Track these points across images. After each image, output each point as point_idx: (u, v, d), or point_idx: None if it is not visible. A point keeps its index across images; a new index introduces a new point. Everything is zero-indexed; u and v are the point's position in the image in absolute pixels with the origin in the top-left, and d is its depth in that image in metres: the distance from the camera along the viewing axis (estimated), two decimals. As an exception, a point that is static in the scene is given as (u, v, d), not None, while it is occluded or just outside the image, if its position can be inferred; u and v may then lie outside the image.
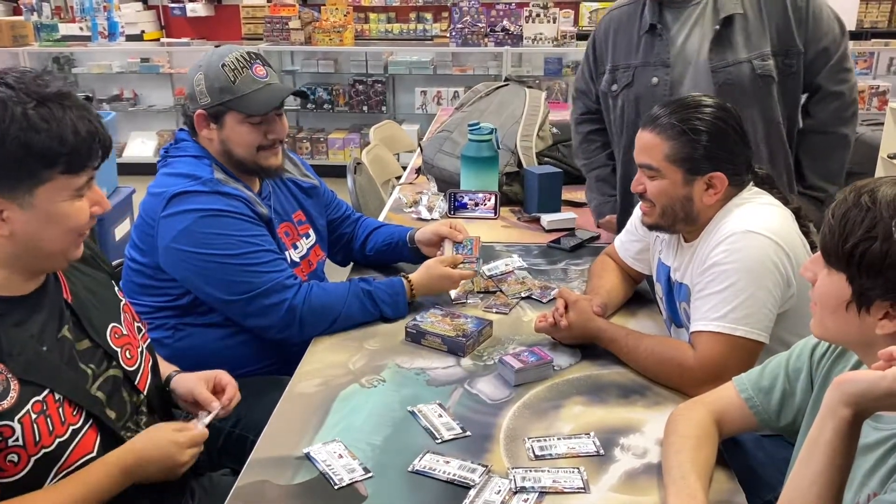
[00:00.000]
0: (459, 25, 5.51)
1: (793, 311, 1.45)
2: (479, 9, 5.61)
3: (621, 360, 1.57)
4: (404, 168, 3.59)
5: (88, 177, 1.07)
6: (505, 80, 2.97)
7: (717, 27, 1.90)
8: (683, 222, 1.55)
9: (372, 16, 6.63)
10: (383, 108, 5.85)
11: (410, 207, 2.57)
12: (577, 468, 1.25)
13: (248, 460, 1.29)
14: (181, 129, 1.78)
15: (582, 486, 1.21)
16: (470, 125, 2.51)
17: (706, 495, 1.13)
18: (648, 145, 1.52)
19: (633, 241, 1.83)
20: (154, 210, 1.62)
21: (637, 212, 1.80)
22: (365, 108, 5.90)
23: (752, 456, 1.49)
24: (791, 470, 1.21)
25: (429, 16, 6.68)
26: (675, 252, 1.63)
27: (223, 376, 1.39)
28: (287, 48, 5.75)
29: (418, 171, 2.96)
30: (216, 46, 1.79)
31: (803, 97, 2.01)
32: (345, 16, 5.72)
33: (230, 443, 1.63)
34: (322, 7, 5.92)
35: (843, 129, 1.99)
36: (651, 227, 1.61)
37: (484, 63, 5.68)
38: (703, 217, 1.52)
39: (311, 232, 1.95)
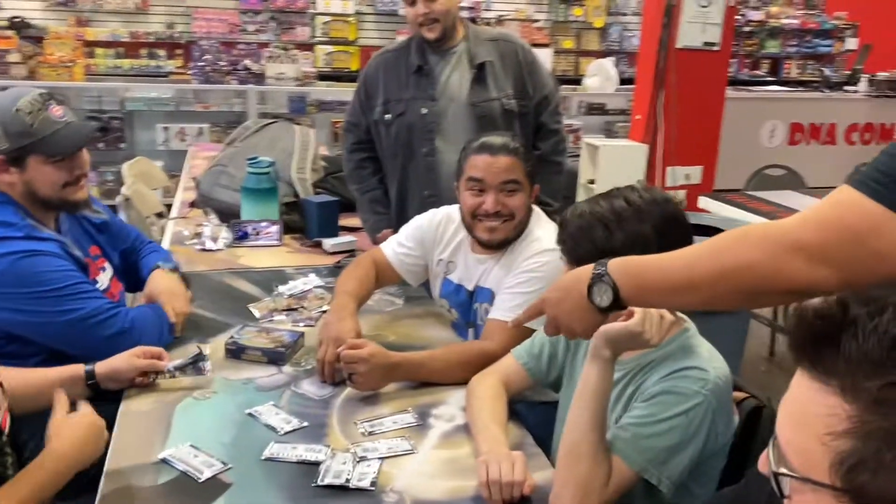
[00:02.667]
0: (201, 63, 5.55)
1: None
2: (220, 48, 5.69)
3: (430, 380, 1.71)
4: (167, 206, 3.61)
5: None
6: (273, 118, 3.17)
7: (475, 70, 2.38)
8: (520, 231, 1.88)
9: (98, 51, 6.36)
10: (121, 146, 5.65)
11: (193, 240, 2.67)
12: (404, 436, 1.52)
13: (105, 471, 1.37)
14: None
15: (410, 448, 1.48)
16: (249, 159, 2.68)
17: (506, 438, 1.46)
18: (510, 166, 1.84)
19: (410, 254, 2.05)
20: None
21: (413, 228, 2.06)
22: (101, 145, 5.65)
23: (526, 420, 1.86)
24: (560, 408, 1.60)
25: (162, 52, 6.57)
26: (467, 268, 1.96)
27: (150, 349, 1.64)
28: (7, 83, 5.33)
29: (192, 204, 3.04)
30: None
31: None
32: (73, 50, 5.46)
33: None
34: (44, 40, 5.59)
35: (559, 158, 2.58)
36: (499, 245, 1.89)
37: (228, 100, 5.76)
38: (528, 221, 1.90)
39: (107, 265, 2.00)
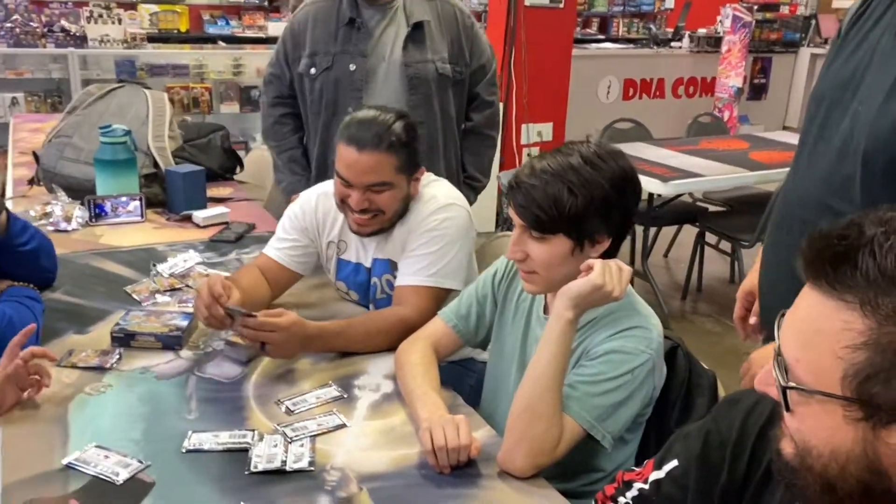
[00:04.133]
0: (9, 24, 4.95)
1: (472, 259, 1.81)
2: (30, 7, 5.10)
3: (348, 350, 1.65)
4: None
5: None
6: (120, 82, 2.88)
7: (410, 29, 2.24)
8: (399, 217, 1.76)
9: None
10: (-82, 120, 4.95)
11: (41, 220, 2.38)
12: (332, 411, 1.45)
13: (2, 487, 1.20)
14: None
15: (341, 422, 1.42)
16: (101, 128, 2.42)
17: (443, 402, 1.43)
18: (377, 165, 1.64)
19: (296, 246, 1.86)
20: None
21: (289, 218, 1.87)
22: None
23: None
24: (489, 366, 1.59)
25: (-49, 12, 5.80)
26: (362, 244, 1.84)
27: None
28: None
29: (31, 181, 2.71)
30: None
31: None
32: None
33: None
34: None
35: (492, 133, 2.50)
36: (371, 234, 1.77)
37: (44, 65, 5.17)
38: (409, 204, 1.77)
39: None
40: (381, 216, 1.73)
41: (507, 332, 1.55)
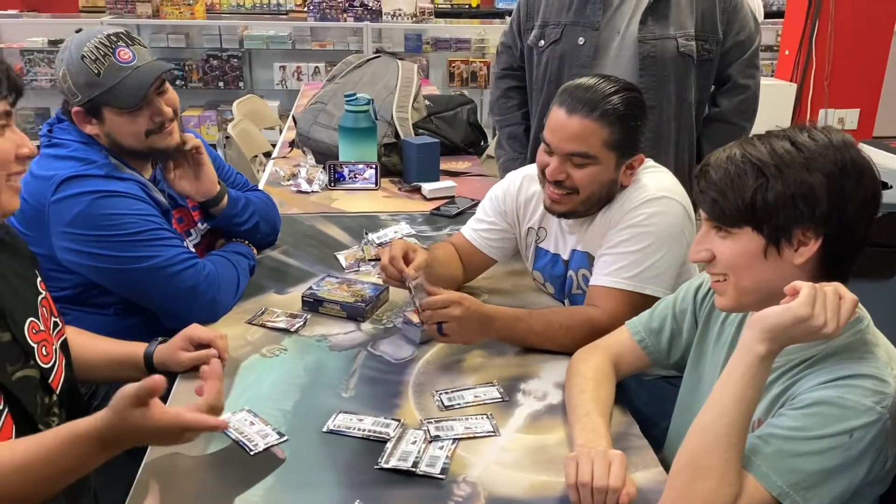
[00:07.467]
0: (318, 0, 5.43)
1: (689, 266, 1.56)
2: (336, -18, 5.54)
3: (526, 342, 1.51)
4: (272, 144, 3.52)
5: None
6: (376, 52, 2.97)
7: (652, 0, 1.98)
8: (599, 204, 1.56)
9: (222, -12, 6.37)
10: (241, 84, 5.67)
11: (289, 181, 2.54)
12: (486, 414, 1.31)
13: (154, 436, 1.25)
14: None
15: (492, 429, 1.27)
16: (346, 96, 2.51)
17: (608, 429, 1.22)
18: (583, 132, 1.47)
19: (493, 229, 1.77)
20: (42, 195, 1.50)
21: (491, 200, 1.77)
22: (221, 84, 5.69)
23: (636, 396, 1.61)
24: (680, 398, 1.34)
25: (284, -11, 6.51)
26: (562, 233, 1.67)
27: (202, 335, 1.43)
28: (133, 22, 5.42)
29: (291, 144, 2.91)
30: (77, 31, 1.58)
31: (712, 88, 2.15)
32: (195, -12, 5.47)
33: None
34: (169, -22, 5.62)
35: (743, 122, 2.14)
36: (563, 215, 1.59)
37: (344, 38, 5.63)
38: (616, 193, 1.56)
39: (193, 232, 1.83)
40: (574, 196, 1.54)
41: (707, 359, 1.28)
